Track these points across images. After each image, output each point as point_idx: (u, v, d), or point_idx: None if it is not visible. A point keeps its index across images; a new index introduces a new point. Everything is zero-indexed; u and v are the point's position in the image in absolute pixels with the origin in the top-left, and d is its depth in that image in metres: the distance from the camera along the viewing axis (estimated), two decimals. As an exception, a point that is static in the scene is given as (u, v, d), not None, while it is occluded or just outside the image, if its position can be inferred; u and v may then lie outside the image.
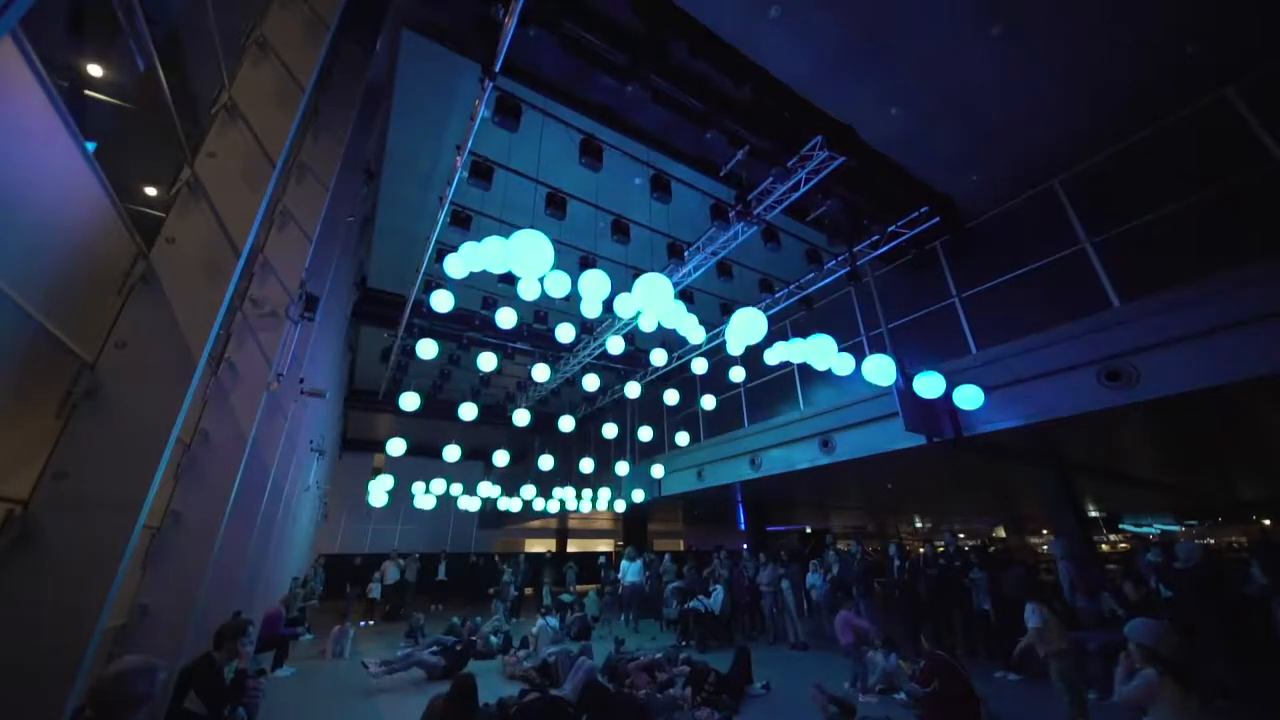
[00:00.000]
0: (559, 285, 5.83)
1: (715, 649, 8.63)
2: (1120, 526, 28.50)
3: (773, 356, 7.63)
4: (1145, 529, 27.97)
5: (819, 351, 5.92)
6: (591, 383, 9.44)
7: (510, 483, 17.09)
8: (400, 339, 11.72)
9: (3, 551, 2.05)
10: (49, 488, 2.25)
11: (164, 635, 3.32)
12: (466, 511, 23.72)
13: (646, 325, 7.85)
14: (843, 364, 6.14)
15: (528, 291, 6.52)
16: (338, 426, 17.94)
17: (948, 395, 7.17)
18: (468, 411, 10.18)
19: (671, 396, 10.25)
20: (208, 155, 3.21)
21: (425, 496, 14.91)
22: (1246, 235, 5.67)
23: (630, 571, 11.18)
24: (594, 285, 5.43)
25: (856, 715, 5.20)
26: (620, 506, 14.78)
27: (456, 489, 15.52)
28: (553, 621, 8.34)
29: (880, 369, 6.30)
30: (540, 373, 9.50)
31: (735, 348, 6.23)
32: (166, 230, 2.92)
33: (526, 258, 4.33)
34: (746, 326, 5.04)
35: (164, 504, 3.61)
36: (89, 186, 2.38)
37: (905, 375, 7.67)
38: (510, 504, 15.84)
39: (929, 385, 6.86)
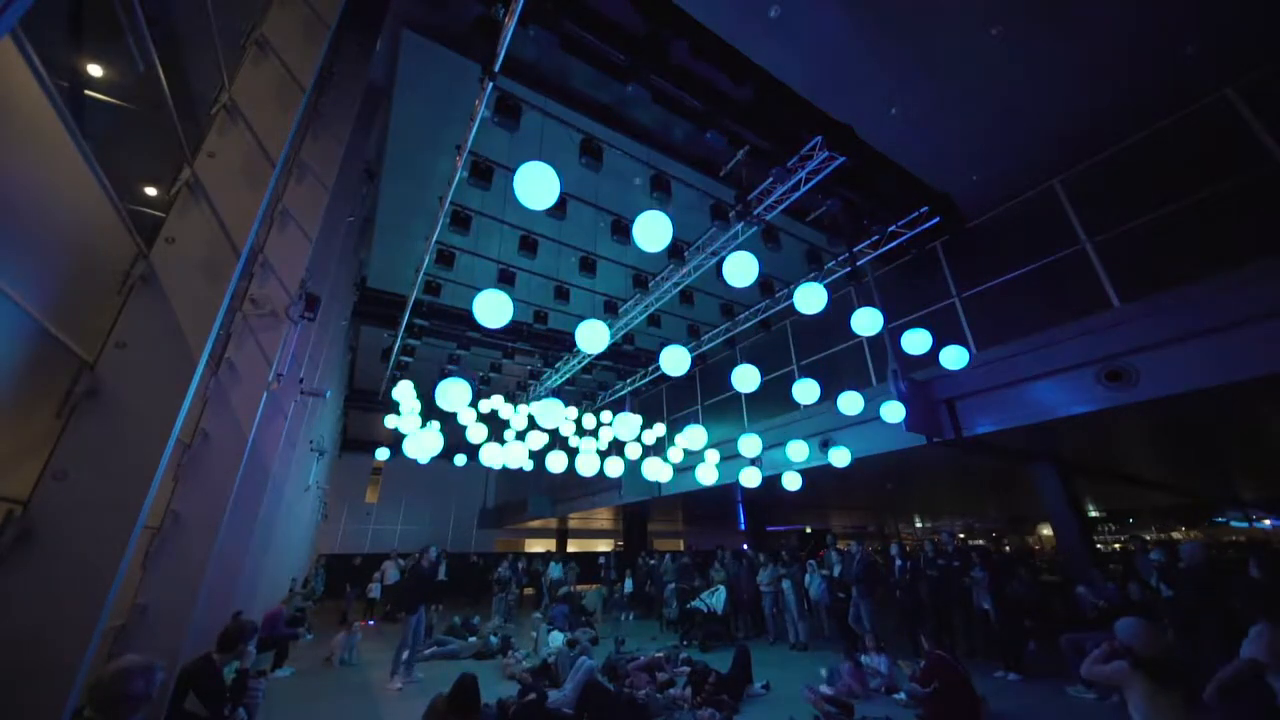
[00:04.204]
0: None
1: (716, 649, 8.62)
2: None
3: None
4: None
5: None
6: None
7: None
8: (400, 339, 11.72)
9: (3, 551, 2.05)
10: (49, 488, 2.25)
11: (164, 635, 3.31)
12: (468, 511, 23.91)
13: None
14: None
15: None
16: (338, 426, 17.93)
17: (934, 354, 6.58)
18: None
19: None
20: (208, 155, 3.21)
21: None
22: (1246, 235, 5.67)
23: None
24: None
25: (855, 715, 5.20)
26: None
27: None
28: (559, 637, 7.85)
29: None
30: None
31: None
32: (166, 230, 2.91)
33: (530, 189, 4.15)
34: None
35: (164, 504, 3.61)
36: (89, 186, 2.38)
37: (905, 376, 7.67)
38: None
39: (916, 342, 6.45)
